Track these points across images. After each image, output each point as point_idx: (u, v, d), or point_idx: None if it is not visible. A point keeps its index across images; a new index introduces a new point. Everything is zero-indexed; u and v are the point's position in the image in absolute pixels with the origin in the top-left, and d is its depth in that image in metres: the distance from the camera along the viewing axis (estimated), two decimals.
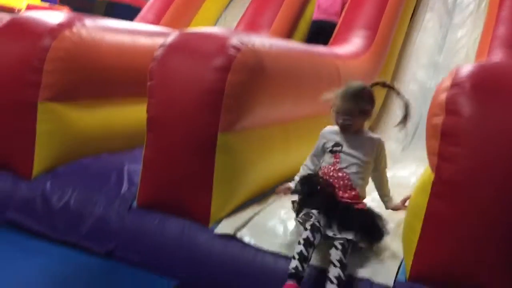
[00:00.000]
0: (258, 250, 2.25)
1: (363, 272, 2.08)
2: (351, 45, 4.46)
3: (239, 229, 2.35)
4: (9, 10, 7.01)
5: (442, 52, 5.28)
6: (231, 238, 2.31)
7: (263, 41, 2.69)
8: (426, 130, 2.10)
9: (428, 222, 1.93)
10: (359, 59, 4.29)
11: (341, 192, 2.22)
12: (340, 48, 4.29)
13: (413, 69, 5.22)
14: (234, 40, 2.42)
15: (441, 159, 1.88)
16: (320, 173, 2.32)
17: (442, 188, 1.88)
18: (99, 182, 2.70)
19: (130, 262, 2.37)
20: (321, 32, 5.32)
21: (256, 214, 2.50)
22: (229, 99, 2.36)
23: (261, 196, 2.75)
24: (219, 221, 2.41)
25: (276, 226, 2.38)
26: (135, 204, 2.54)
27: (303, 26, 5.95)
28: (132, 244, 2.41)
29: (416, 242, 1.96)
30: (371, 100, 2.27)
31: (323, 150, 2.35)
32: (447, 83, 1.95)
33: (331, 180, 2.25)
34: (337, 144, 2.30)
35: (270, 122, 2.82)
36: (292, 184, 2.37)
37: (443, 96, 1.92)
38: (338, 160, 2.26)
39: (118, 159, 2.95)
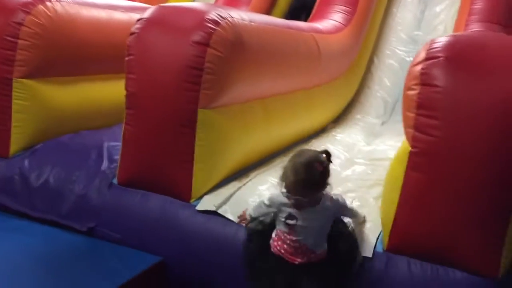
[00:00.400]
0: (240, 226, 2.27)
1: None
2: (330, 20, 4.44)
3: (220, 205, 2.36)
4: None
5: (421, 27, 5.30)
6: (213, 214, 2.32)
7: (242, 15, 2.66)
8: (402, 103, 2.12)
9: (405, 193, 1.97)
10: (339, 34, 4.27)
11: (299, 258, 1.95)
12: (319, 23, 4.27)
13: (393, 44, 5.22)
14: (213, 15, 2.39)
15: (416, 131, 1.91)
16: (274, 236, 2.03)
17: (418, 160, 1.92)
18: (79, 160, 2.68)
19: (112, 239, 2.37)
20: (302, 8, 5.28)
21: (237, 189, 2.52)
22: (209, 74, 2.34)
23: (242, 172, 2.76)
24: (200, 197, 2.42)
25: (256, 202, 2.39)
26: (115, 181, 2.53)
27: (282, 3, 5.89)
28: (114, 222, 2.41)
29: (394, 213, 2.00)
30: (327, 170, 1.93)
31: (274, 217, 2.04)
32: (422, 55, 1.97)
33: (285, 246, 1.98)
34: (290, 216, 1.96)
35: (250, 97, 2.82)
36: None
37: (418, 68, 1.94)
38: (292, 231, 1.95)
39: (97, 136, 2.93)
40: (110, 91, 3.22)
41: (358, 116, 4.59)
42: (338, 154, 3.42)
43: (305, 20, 4.65)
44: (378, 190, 2.58)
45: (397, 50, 5.12)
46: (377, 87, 4.83)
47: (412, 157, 1.93)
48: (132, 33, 2.44)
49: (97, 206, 2.45)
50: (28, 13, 2.65)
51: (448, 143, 1.85)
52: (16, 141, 2.75)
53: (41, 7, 2.70)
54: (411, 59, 4.92)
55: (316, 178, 1.89)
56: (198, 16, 2.39)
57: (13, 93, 2.68)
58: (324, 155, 1.94)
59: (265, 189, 2.50)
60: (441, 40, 1.98)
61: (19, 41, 2.64)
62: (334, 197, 2.03)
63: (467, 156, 1.83)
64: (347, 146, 3.68)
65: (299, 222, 1.94)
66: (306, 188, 1.90)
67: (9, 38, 2.62)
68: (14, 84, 2.66)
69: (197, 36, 2.32)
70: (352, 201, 2.42)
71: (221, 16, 2.41)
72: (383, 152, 3.43)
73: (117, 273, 2.11)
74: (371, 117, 4.53)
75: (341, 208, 2.08)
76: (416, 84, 1.93)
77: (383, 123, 4.46)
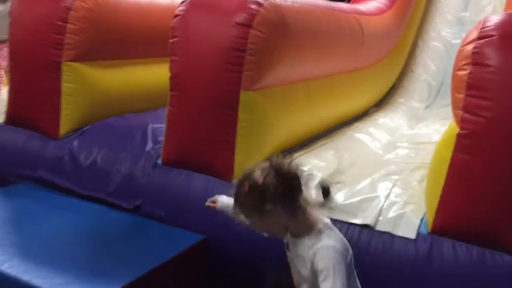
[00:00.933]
0: None
1: (384, 226, 2.10)
2: (374, 2, 4.34)
3: None
4: None
5: (468, 9, 5.11)
6: None
7: None
8: (451, 85, 2.06)
9: (451, 175, 1.93)
10: (382, 16, 4.18)
11: None
12: (362, 5, 4.19)
13: (438, 26, 5.07)
14: None
15: (466, 112, 1.86)
16: None
17: (466, 141, 1.87)
18: (124, 141, 2.75)
19: (157, 217, 2.43)
20: None
21: None
22: (251, 56, 2.35)
23: (284, 153, 2.76)
24: None
25: None
26: (159, 161, 2.59)
27: None
28: (158, 200, 2.47)
29: (439, 195, 1.96)
30: (261, 194, 1.47)
31: None
32: (474, 34, 1.91)
33: None
34: (287, 245, 1.63)
35: (292, 79, 2.81)
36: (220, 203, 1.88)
37: (469, 48, 1.88)
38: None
39: (142, 119, 2.99)
40: (154, 74, 3.28)
41: (401, 100, 4.50)
42: (380, 138, 3.38)
43: (348, 1, 4.58)
44: (421, 173, 2.54)
45: (442, 32, 4.97)
46: (421, 70, 4.71)
47: (460, 139, 1.88)
48: (176, 15, 2.48)
49: (143, 185, 2.51)
50: None
51: (498, 124, 1.79)
52: (66, 123, 2.85)
53: None
54: (458, 41, 4.81)
55: (241, 198, 1.52)
56: None
57: (63, 76, 2.77)
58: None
59: (307, 170, 2.50)
60: (495, 18, 1.91)
61: (68, 25, 2.72)
62: (322, 246, 1.48)
63: None
64: (390, 130, 3.63)
65: (290, 255, 1.61)
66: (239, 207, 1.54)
67: (58, 23, 2.70)
68: (63, 67, 2.75)
69: (239, 18, 2.33)
70: (395, 184, 2.40)
71: None
72: (427, 136, 3.36)
73: (162, 250, 2.17)
74: (414, 101, 4.44)
75: (317, 262, 1.47)
76: (467, 64, 1.87)
77: (427, 107, 4.36)
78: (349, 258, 1.53)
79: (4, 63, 3.41)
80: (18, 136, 2.90)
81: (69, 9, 2.71)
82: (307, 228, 1.52)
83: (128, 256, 2.11)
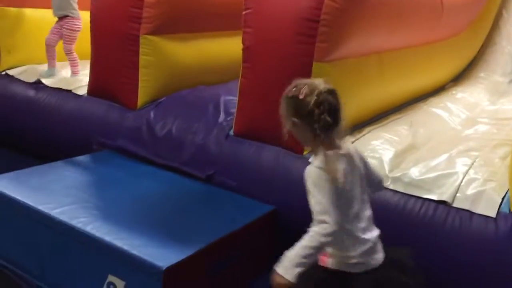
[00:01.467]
0: None
1: (461, 203, 2.02)
2: None
3: None
4: None
5: None
6: None
7: None
8: None
9: None
10: None
11: None
12: None
13: None
14: None
15: None
16: None
17: None
18: (198, 112, 2.82)
19: (228, 187, 2.48)
20: None
21: (350, 144, 2.48)
22: (325, 27, 2.30)
23: (356, 127, 2.72)
24: None
25: (370, 157, 2.33)
26: (231, 133, 2.63)
27: None
28: (230, 171, 2.52)
29: None
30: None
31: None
32: None
33: None
34: None
35: (366, 51, 2.73)
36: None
37: None
38: None
39: (214, 91, 3.04)
40: (227, 47, 3.31)
41: (482, 74, 4.26)
42: (458, 113, 3.23)
43: None
44: (504, 150, 2.41)
45: None
46: (505, 42, 4.42)
47: None
48: None
49: (215, 155, 2.57)
50: None
51: None
52: (143, 95, 2.96)
53: None
54: None
55: (284, 98, 1.68)
56: None
57: (140, 49, 2.86)
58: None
59: (379, 144, 2.45)
60: None
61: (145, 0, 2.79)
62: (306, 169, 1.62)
63: None
64: (469, 105, 3.46)
65: None
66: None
67: None
68: (141, 40, 2.84)
69: None
70: (474, 160, 2.29)
71: None
72: (511, 112, 3.16)
73: (233, 219, 2.23)
74: (496, 75, 4.18)
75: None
76: None
77: (510, 82, 4.09)
78: (344, 186, 1.58)
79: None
80: (99, 107, 3.06)
81: None
82: (316, 150, 1.64)
83: (201, 223, 2.18)
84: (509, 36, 4.45)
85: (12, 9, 3.65)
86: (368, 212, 1.65)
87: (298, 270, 1.52)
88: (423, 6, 3.21)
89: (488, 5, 4.43)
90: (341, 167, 1.59)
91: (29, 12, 3.70)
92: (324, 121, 1.54)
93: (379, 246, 1.64)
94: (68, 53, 3.52)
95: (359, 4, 2.46)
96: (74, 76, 3.51)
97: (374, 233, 1.64)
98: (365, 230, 1.61)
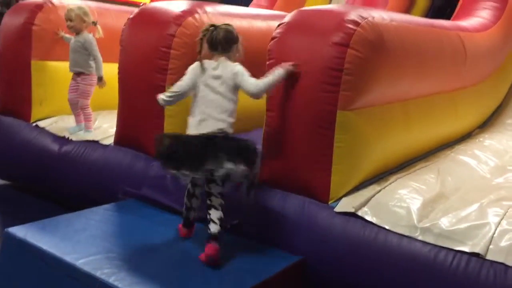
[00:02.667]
0: (380, 228, 2.20)
1: (495, 255, 1.94)
2: (477, 17, 4.13)
3: (359, 207, 2.32)
4: (135, 4, 7.54)
5: None
6: (352, 215, 2.29)
7: (382, 15, 2.60)
8: None
9: None
10: (487, 32, 3.97)
11: None
12: (465, 21, 4.00)
13: None
14: (353, 15, 2.38)
15: None
16: None
17: None
18: None
19: (254, 237, 2.45)
20: (447, 5, 5.05)
21: (376, 193, 2.45)
22: (349, 75, 2.32)
23: (381, 175, 2.68)
24: (338, 199, 2.40)
25: (397, 206, 2.30)
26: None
27: (421, 3, 5.66)
28: (255, 220, 2.49)
29: None
30: None
31: None
32: None
33: None
34: None
35: (390, 99, 2.73)
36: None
37: None
38: None
39: None
40: None
41: (509, 121, 4.20)
42: (487, 161, 3.17)
43: (449, 18, 4.39)
44: None
45: None
46: None
47: None
48: (273, 38, 2.53)
49: (240, 204, 2.55)
50: (179, 25, 2.88)
51: None
52: None
53: (190, 19, 2.92)
54: None
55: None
56: (337, 17, 2.39)
57: None
58: None
59: (406, 193, 2.40)
60: None
61: (172, 51, 2.87)
62: None
63: None
64: (497, 152, 3.39)
65: None
66: None
67: (163, 49, 2.87)
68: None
69: (337, 37, 2.32)
70: (507, 210, 2.22)
71: (362, 16, 2.39)
72: None
73: (260, 269, 2.18)
74: None
75: None
76: None
77: None
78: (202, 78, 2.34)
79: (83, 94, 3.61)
80: (125, 156, 3.09)
81: (173, 36, 2.87)
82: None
83: (226, 274, 2.14)
84: None
85: (46, 62, 3.79)
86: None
87: None
88: (446, 53, 3.22)
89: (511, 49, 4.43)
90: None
91: (59, 65, 3.84)
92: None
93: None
94: (84, 107, 3.58)
95: (382, 53, 2.48)
96: (88, 132, 3.55)
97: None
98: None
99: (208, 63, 2.36)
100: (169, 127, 2.98)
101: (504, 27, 4.22)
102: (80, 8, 3.55)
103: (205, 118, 2.29)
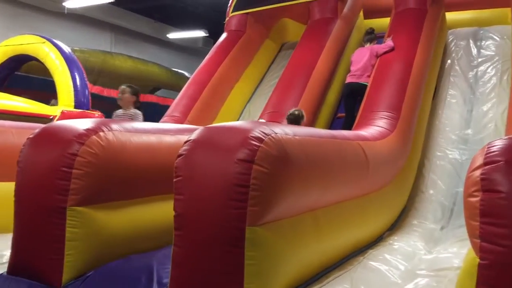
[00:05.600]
0: None
1: None
2: (376, 126, 4.45)
3: None
4: (44, 117, 7.39)
5: (470, 127, 5.22)
6: None
7: (285, 130, 2.70)
8: (464, 211, 1.98)
9: None
10: (385, 140, 4.25)
11: None
12: (364, 130, 4.28)
13: (442, 145, 5.14)
14: (256, 132, 2.44)
15: (483, 241, 1.76)
16: None
17: (489, 273, 1.74)
18: (129, 286, 2.63)
19: None
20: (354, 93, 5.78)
21: None
22: (255, 191, 2.32)
23: None
24: None
25: None
26: None
27: (331, 98, 6.19)
28: None
29: None
30: None
31: None
32: (480, 160, 1.87)
33: None
34: None
35: (299, 211, 2.75)
36: None
37: (477, 174, 1.84)
38: None
39: (147, 260, 2.88)
40: (160, 212, 3.24)
41: (415, 222, 4.39)
42: (397, 265, 3.22)
43: (360, 100, 4.94)
44: None
45: (447, 151, 5.02)
46: (432, 190, 4.66)
47: (482, 270, 1.75)
48: (179, 155, 2.51)
49: None
50: (82, 144, 2.79)
51: None
52: (69, 270, 2.75)
53: (94, 137, 2.85)
54: (464, 158, 4.84)
55: None
56: (242, 134, 2.44)
57: (67, 222, 2.73)
58: None
59: None
60: (498, 143, 1.89)
61: (74, 171, 2.74)
62: None
63: None
64: (407, 255, 3.47)
65: None
66: None
67: (64, 169, 2.74)
68: (68, 213, 2.73)
69: (241, 154, 2.35)
70: None
71: (264, 133, 2.45)
72: (447, 261, 3.19)
73: None
74: (428, 222, 4.32)
75: None
76: (477, 191, 1.81)
77: (442, 228, 4.22)
78: None
79: None
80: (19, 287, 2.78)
81: (75, 155, 2.76)
82: None
83: None
84: (434, 184, 4.72)
85: None
86: None
87: None
88: (350, 162, 3.37)
89: (411, 157, 4.76)
90: None
91: None
92: None
93: None
94: None
95: (287, 167, 2.53)
96: None
97: None
98: None
99: None
100: (70, 251, 2.76)
101: (400, 134, 4.56)
102: None
103: None
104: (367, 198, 3.71)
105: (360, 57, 5.86)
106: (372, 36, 6.05)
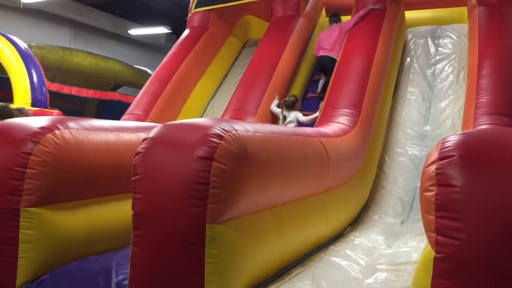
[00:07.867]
0: None
1: None
2: (337, 123, 4.49)
3: None
4: None
5: (428, 123, 5.35)
6: None
7: (246, 127, 2.68)
8: (420, 205, 2.02)
9: None
10: (346, 136, 4.30)
11: None
12: (326, 127, 4.31)
13: (402, 141, 5.24)
14: (216, 129, 2.41)
15: (439, 235, 1.79)
16: None
17: (445, 266, 1.77)
18: None
19: None
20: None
21: None
22: (215, 188, 2.29)
23: (258, 286, 2.60)
24: None
25: None
26: None
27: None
28: None
29: None
30: None
31: None
32: (435, 155, 1.91)
33: None
34: None
35: (260, 207, 2.74)
36: None
37: (432, 169, 1.87)
38: None
39: (105, 261, 2.82)
40: (119, 212, 3.18)
41: (376, 217, 4.46)
42: (358, 260, 3.26)
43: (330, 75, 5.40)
44: None
45: (407, 147, 5.12)
46: (392, 185, 4.75)
47: (438, 263, 1.78)
48: (137, 153, 2.45)
49: None
50: (37, 142, 2.69)
51: (474, 246, 1.71)
52: (23, 273, 2.65)
53: (49, 135, 2.76)
54: (423, 154, 4.95)
55: None
56: (201, 131, 2.41)
57: (21, 223, 2.63)
58: None
59: None
60: (453, 139, 1.92)
61: (27, 171, 2.65)
62: None
63: (496, 257, 1.68)
64: (367, 250, 3.52)
65: None
66: None
67: (17, 169, 2.64)
68: (22, 214, 2.63)
69: (201, 151, 2.31)
70: None
71: (224, 130, 2.43)
72: (406, 255, 3.25)
73: None
74: (389, 217, 4.39)
75: None
76: (432, 185, 1.84)
77: (402, 223, 4.31)
78: None
79: None
80: None
81: (29, 154, 2.66)
82: None
83: None
84: (394, 179, 4.80)
85: None
86: None
87: None
88: (310, 158, 3.39)
89: (371, 152, 4.83)
90: None
91: None
92: None
93: None
94: None
95: (247, 164, 2.52)
96: None
97: None
98: None
99: None
100: (24, 253, 2.67)
101: (361, 130, 4.62)
102: None
103: None
104: (328, 194, 3.74)
105: (330, 35, 6.34)
106: (337, 17, 6.58)
